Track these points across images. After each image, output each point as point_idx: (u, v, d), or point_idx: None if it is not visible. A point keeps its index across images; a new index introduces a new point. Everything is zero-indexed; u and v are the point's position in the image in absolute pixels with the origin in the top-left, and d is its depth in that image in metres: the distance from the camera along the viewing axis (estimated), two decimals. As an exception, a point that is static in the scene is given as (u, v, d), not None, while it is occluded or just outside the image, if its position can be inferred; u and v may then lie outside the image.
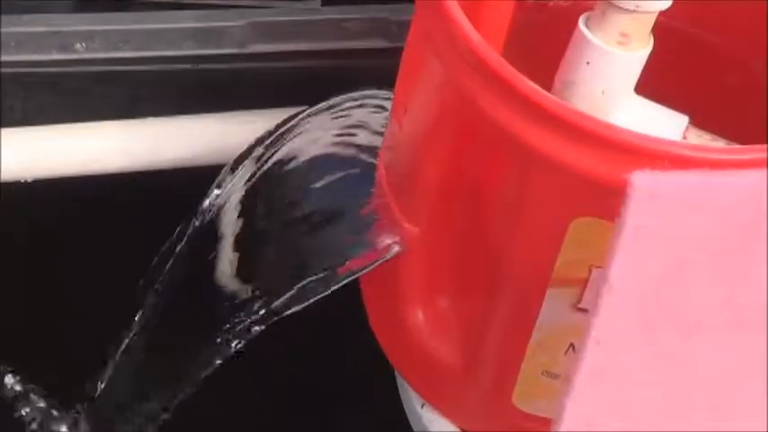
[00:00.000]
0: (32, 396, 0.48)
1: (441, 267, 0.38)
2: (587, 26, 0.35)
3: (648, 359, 0.30)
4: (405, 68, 0.37)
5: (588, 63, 0.35)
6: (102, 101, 0.49)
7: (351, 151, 0.41)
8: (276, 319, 0.38)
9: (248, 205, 0.42)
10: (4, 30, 0.47)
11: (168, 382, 0.41)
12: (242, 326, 0.39)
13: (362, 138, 0.41)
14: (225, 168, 0.44)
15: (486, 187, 0.35)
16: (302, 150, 0.42)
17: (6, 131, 0.47)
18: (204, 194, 0.44)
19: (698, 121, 0.37)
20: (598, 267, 0.33)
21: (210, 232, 0.43)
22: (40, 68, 0.48)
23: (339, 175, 0.40)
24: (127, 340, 0.44)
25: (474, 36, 0.32)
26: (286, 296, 0.38)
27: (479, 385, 0.39)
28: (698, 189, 0.30)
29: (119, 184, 0.48)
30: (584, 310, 0.34)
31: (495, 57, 0.32)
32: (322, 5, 0.50)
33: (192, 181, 0.44)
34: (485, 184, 0.35)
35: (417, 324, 0.39)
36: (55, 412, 0.48)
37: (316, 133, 0.42)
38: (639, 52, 0.35)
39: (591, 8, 0.35)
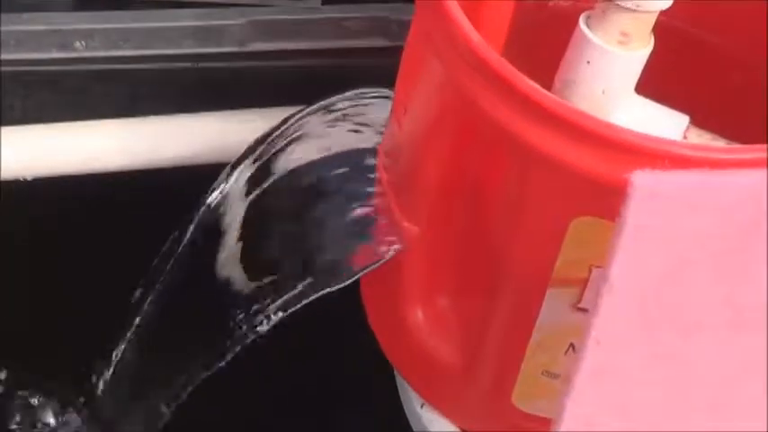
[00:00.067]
0: (31, 396, 0.48)
1: (441, 267, 0.38)
2: (588, 25, 0.35)
3: (648, 359, 0.30)
4: (405, 68, 0.37)
5: (589, 62, 0.35)
6: (102, 99, 0.49)
7: (350, 150, 0.41)
8: (281, 317, 0.38)
9: (249, 204, 0.42)
10: (3, 28, 0.47)
11: (168, 382, 0.41)
12: (244, 325, 0.39)
13: (362, 137, 0.41)
14: (226, 167, 0.44)
15: (486, 187, 0.35)
16: (302, 149, 0.42)
17: (6, 130, 0.47)
18: (204, 193, 0.43)
19: (698, 121, 0.37)
20: (598, 267, 0.33)
21: (212, 231, 0.43)
22: (39, 67, 0.47)
23: (339, 173, 0.40)
24: (128, 339, 0.44)
25: (474, 36, 0.32)
26: (286, 296, 0.38)
27: (479, 385, 0.38)
28: (698, 189, 0.30)
29: (119, 183, 0.48)
30: (584, 310, 0.34)
31: (495, 56, 0.32)
32: (322, 4, 0.50)
33: (191, 180, 0.44)
34: (485, 183, 0.35)
35: (417, 323, 0.39)
36: (54, 411, 0.48)
37: (315, 132, 0.42)
38: (640, 52, 0.35)
39: (591, 7, 0.35)
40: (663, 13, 0.35)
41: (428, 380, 0.40)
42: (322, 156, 0.41)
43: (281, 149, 0.42)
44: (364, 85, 0.43)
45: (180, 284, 0.43)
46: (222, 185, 0.43)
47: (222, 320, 0.39)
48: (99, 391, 0.45)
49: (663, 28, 0.35)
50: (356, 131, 0.42)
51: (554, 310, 0.35)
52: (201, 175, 0.44)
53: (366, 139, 0.41)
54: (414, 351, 0.40)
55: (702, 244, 0.30)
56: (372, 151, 0.40)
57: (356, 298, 0.42)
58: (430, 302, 0.39)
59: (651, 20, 0.35)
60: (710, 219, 0.30)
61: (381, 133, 0.40)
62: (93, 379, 0.45)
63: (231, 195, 0.43)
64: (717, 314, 0.30)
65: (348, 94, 0.43)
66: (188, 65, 0.49)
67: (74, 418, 0.47)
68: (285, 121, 0.44)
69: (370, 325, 0.42)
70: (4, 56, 0.47)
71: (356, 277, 0.38)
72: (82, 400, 0.46)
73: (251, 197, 0.42)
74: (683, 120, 0.36)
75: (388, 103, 0.40)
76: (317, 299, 0.38)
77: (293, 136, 0.43)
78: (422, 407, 0.42)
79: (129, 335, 0.44)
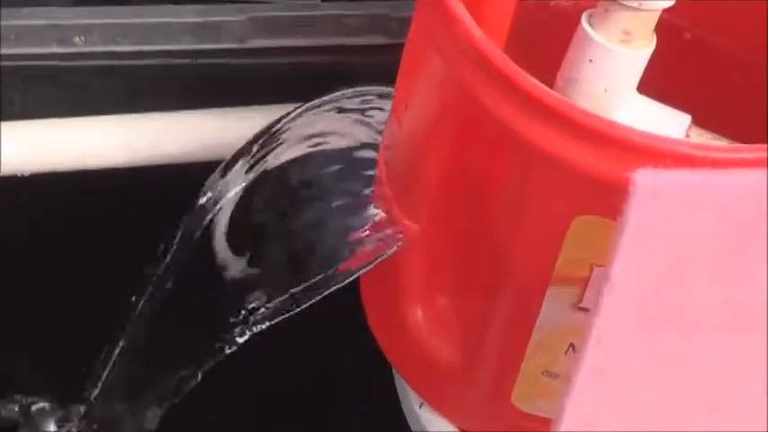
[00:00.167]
0: (29, 397, 0.48)
1: (441, 265, 0.38)
2: (590, 24, 0.35)
3: (649, 359, 0.30)
4: (405, 65, 0.37)
5: (591, 61, 0.35)
6: (101, 95, 0.48)
7: (349, 148, 0.41)
8: (278, 319, 0.38)
9: (246, 202, 0.42)
10: (3, 23, 0.46)
11: (162, 383, 0.41)
12: (241, 326, 0.38)
13: (361, 134, 0.41)
14: (222, 164, 0.44)
15: (487, 184, 0.35)
16: (299, 147, 0.42)
17: (5, 125, 0.47)
18: (202, 190, 0.43)
19: (699, 121, 0.37)
20: (599, 266, 0.32)
21: (206, 229, 0.42)
22: (39, 62, 0.47)
23: (337, 172, 0.40)
24: (124, 339, 0.44)
25: (476, 32, 0.32)
26: (286, 296, 0.38)
27: (479, 385, 0.38)
28: (700, 188, 0.30)
29: (116, 180, 0.48)
30: (584, 310, 0.34)
31: (497, 52, 0.32)
32: (322, 1, 0.50)
33: (189, 177, 0.44)
34: (486, 181, 0.35)
35: (417, 323, 0.39)
36: (53, 412, 0.48)
37: (313, 129, 0.42)
38: (642, 51, 0.35)
39: (593, 6, 0.35)
40: (664, 13, 0.35)
41: (427, 379, 0.40)
42: (320, 153, 0.41)
43: (278, 147, 0.42)
44: (364, 82, 0.43)
45: (175, 284, 0.43)
46: (217, 183, 0.43)
47: (218, 320, 0.39)
48: (94, 393, 0.44)
49: (664, 28, 0.35)
50: (355, 129, 0.41)
51: (554, 309, 0.35)
52: (199, 172, 0.44)
53: (365, 137, 0.41)
54: (413, 350, 0.40)
55: (703, 243, 0.30)
56: (371, 148, 0.40)
57: (355, 298, 0.42)
58: (430, 301, 0.39)
59: (654, 18, 0.35)
60: (711, 218, 0.30)
61: (381, 131, 0.40)
62: (91, 379, 0.45)
63: (226, 193, 0.43)
64: (717, 314, 0.30)
65: (348, 91, 0.43)
66: (187, 61, 0.49)
67: (71, 417, 0.47)
68: (282, 118, 0.43)
69: (370, 325, 0.42)
70: (3, 50, 0.47)
71: (355, 276, 0.38)
72: (80, 400, 0.46)
73: (246, 195, 0.42)
74: (684, 119, 0.36)
75: (389, 101, 0.40)
76: (316, 299, 0.38)
77: (290, 134, 0.43)
78: (421, 407, 0.42)
79: (125, 335, 0.44)
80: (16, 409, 0.48)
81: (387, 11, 0.49)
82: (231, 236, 0.42)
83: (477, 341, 0.37)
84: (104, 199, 0.50)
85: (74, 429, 0.46)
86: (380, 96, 0.43)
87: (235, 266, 0.41)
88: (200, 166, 0.46)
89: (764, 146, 0.31)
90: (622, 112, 0.35)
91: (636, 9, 0.34)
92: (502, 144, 0.33)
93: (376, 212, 0.38)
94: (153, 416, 0.42)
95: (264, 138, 0.43)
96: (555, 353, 0.36)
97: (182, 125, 0.48)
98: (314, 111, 0.43)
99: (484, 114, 0.32)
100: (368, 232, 0.38)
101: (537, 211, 0.34)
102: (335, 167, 0.40)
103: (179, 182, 0.44)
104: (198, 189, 0.43)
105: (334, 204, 0.39)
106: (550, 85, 0.34)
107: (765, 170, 0.30)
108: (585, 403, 0.30)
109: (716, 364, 0.30)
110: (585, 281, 0.34)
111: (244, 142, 0.44)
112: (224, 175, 0.43)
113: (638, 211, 0.29)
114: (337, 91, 0.43)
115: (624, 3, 0.34)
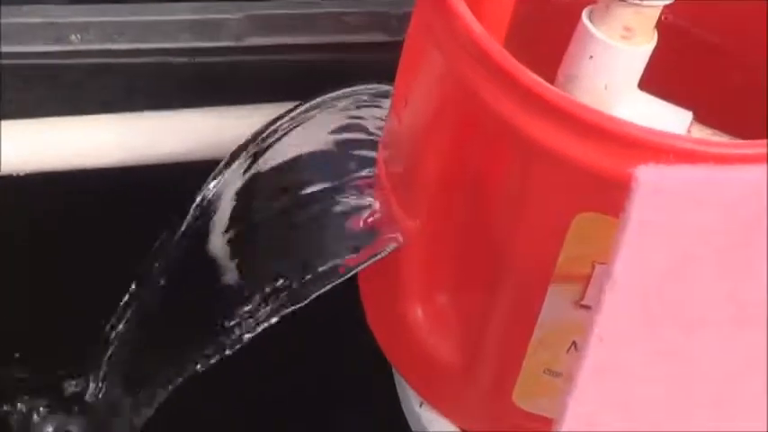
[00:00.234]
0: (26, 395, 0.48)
1: (440, 262, 0.37)
2: (591, 20, 0.35)
3: (652, 356, 0.30)
4: (405, 61, 0.37)
5: (591, 57, 0.35)
6: (97, 93, 0.48)
7: (348, 145, 0.41)
8: (276, 318, 0.38)
9: (244, 200, 0.42)
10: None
11: (160, 380, 0.40)
12: (240, 325, 0.38)
13: (361, 132, 0.41)
14: (221, 163, 0.43)
15: (487, 180, 0.35)
16: (299, 145, 0.42)
17: (1, 124, 0.47)
18: (199, 189, 0.43)
19: (699, 120, 0.36)
20: (601, 263, 0.32)
21: (204, 228, 0.42)
22: (35, 60, 0.47)
23: (336, 169, 0.40)
24: (120, 334, 0.43)
25: (476, 27, 0.32)
26: (285, 293, 0.38)
27: (479, 384, 0.38)
28: (703, 183, 0.30)
29: (113, 179, 0.48)
30: (586, 307, 0.34)
31: (497, 48, 0.32)
32: (321, -2, 0.50)
33: (187, 176, 0.44)
34: (486, 176, 0.35)
35: (416, 321, 0.39)
36: (48, 409, 0.48)
37: (313, 127, 0.42)
38: (643, 47, 0.35)
39: (594, 1, 0.35)
40: (665, 11, 0.34)
41: (427, 378, 0.40)
42: (318, 151, 0.41)
43: (276, 146, 0.42)
44: (363, 80, 0.43)
45: (171, 283, 0.43)
46: (215, 182, 0.43)
47: (215, 321, 0.39)
48: (92, 388, 0.44)
49: (665, 26, 0.35)
50: (354, 127, 0.41)
51: (556, 306, 0.35)
52: (197, 171, 0.44)
53: (364, 135, 0.41)
54: (413, 349, 0.39)
55: (706, 239, 0.30)
56: (370, 146, 0.40)
57: (353, 295, 0.41)
58: (429, 299, 0.38)
59: (655, 15, 0.34)
60: (714, 214, 0.30)
61: (380, 128, 0.40)
62: (85, 375, 0.45)
63: (224, 192, 0.42)
64: (720, 310, 0.30)
65: (347, 89, 0.43)
66: (185, 59, 0.49)
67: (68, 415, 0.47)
68: (281, 116, 0.43)
69: (369, 323, 0.41)
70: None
71: (353, 272, 0.37)
72: (75, 397, 0.46)
73: (244, 194, 0.42)
74: (686, 116, 0.36)
75: (387, 99, 0.39)
76: (315, 298, 0.38)
77: (288, 132, 0.43)
78: (420, 406, 0.42)
79: (120, 332, 0.43)
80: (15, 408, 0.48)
81: (386, 8, 0.49)
82: (229, 234, 0.41)
83: (477, 339, 0.37)
84: (100, 199, 0.49)
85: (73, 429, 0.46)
86: (379, 94, 0.43)
87: (232, 265, 0.40)
88: (198, 164, 0.46)
89: (767, 141, 0.31)
90: (623, 108, 0.35)
91: (637, 5, 0.34)
92: (502, 140, 0.33)
93: (375, 209, 0.38)
94: (147, 411, 0.41)
95: (262, 136, 0.43)
96: (557, 351, 0.36)
97: (179, 124, 0.48)
98: (313, 109, 0.43)
99: (484, 110, 0.32)
100: (367, 229, 0.37)
101: (537, 208, 0.33)
102: (334, 165, 0.40)
103: (176, 181, 0.44)
104: (195, 188, 0.43)
105: (333, 202, 0.39)
106: (551, 81, 0.34)
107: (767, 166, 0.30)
108: (588, 402, 0.30)
109: (719, 361, 0.30)
110: (587, 278, 0.34)
111: (242, 141, 0.43)
112: (222, 173, 0.43)
113: (640, 208, 0.29)
114: (336, 89, 0.43)
115: (625, -2, 0.34)
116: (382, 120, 0.40)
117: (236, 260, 0.41)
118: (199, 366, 0.39)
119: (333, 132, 0.41)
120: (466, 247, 0.36)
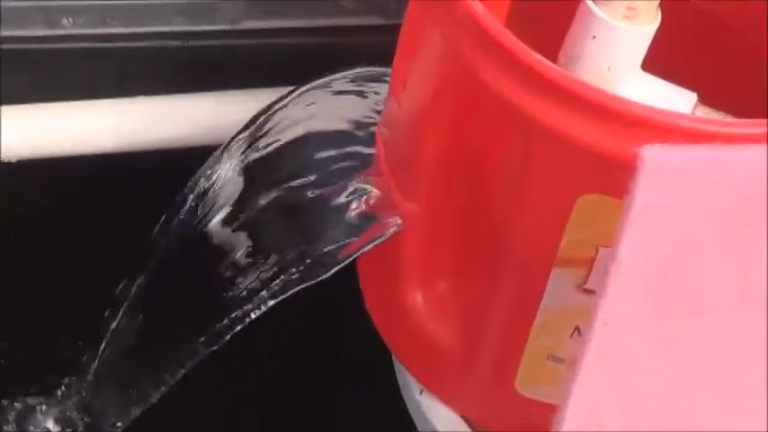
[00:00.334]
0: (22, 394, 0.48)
1: (440, 246, 0.37)
2: (593, -1, 0.34)
3: (656, 341, 0.30)
4: (403, 42, 0.36)
5: (594, 37, 0.34)
6: (90, 78, 0.48)
7: (347, 129, 0.40)
8: (275, 302, 0.38)
9: (242, 186, 0.42)
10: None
11: (159, 367, 0.40)
12: (237, 311, 0.38)
13: (359, 115, 0.41)
14: (219, 148, 0.43)
15: (487, 162, 0.34)
16: (297, 129, 0.41)
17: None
18: (196, 174, 0.43)
19: (704, 102, 0.36)
20: (605, 246, 0.32)
21: (203, 213, 0.42)
22: (25, 45, 0.47)
23: (335, 153, 0.40)
24: (118, 322, 0.43)
25: (477, 7, 0.32)
26: (284, 278, 0.37)
27: (481, 370, 0.38)
28: (708, 163, 0.30)
29: (107, 165, 0.47)
30: (590, 291, 0.34)
31: (498, 27, 0.32)
32: (317, -19, 0.50)
33: (183, 161, 0.43)
34: (486, 158, 0.34)
35: (416, 306, 0.38)
36: (44, 406, 0.47)
37: (311, 112, 0.42)
38: (646, 27, 0.34)
39: (596, -19, 0.34)
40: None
41: (427, 365, 0.40)
42: (316, 135, 0.41)
43: (274, 130, 0.42)
44: (360, 64, 0.43)
45: (171, 267, 0.43)
46: (213, 167, 0.43)
47: (214, 306, 0.39)
48: (88, 378, 0.44)
49: (669, 7, 0.34)
50: (351, 110, 0.41)
51: (559, 291, 0.34)
52: (193, 157, 0.43)
53: (362, 118, 0.40)
54: (413, 336, 0.39)
55: (712, 220, 0.30)
56: (368, 129, 0.39)
57: (353, 281, 0.41)
58: (429, 284, 0.38)
59: (658, -6, 0.34)
60: (720, 194, 0.29)
61: (379, 112, 0.40)
62: (82, 371, 0.44)
63: (222, 177, 0.42)
64: (726, 292, 0.30)
65: (344, 73, 0.43)
66: (179, 43, 0.48)
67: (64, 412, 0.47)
68: (278, 101, 0.43)
69: (368, 310, 0.41)
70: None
71: (353, 257, 0.37)
72: (71, 393, 0.46)
73: (243, 179, 0.41)
74: (691, 97, 0.36)
75: (385, 83, 0.39)
76: (314, 284, 0.37)
77: (286, 117, 0.42)
78: (421, 393, 0.41)
79: (119, 320, 0.43)
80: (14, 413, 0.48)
81: (383, -9, 0.49)
82: (228, 219, 0.41)
83: (478, 325, 0.37)
84: (95, 185, 0.49)
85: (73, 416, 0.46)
86: (377, 78, 0.42)
87: (231, 250, 0.40)
88: (194, 150, 0.46)
89: (774, 119, 0.31)
90: (626, 89, 0.35)
91: (639, -16, 0.33)
92: (503, 120, 0.33)
93: (374, 193, 0.37)
94: (149, 399, 0.41)
95: (260, 121, 0.43)
96: (560, 336, 0.35)
97: (174, 109, 0.48)
98: (309, 93, 0.43)
99: (484, 90, 0.32)
100: (366, 213, 0.37)
101: (539, 190, 0.33)
102: (332, 149, 0.40)
103: (171, 167, 0.44)
104: (191, 174, 0.43)
105: (332, 186, 0.38)
106: (553, 62, 0.34)
107: (774, 145, 0.30)
108: (591, 387, 0.29)
109: (724, 345, 0.30)
110: (591, 261, 0.33)
111: (238, 126, 0.43)
112: (219, 159, 0.43)
113: (645, 188, 0.29)
114: (333, 73, 0.43)
115: (628, -23, 0.33)
116: (380, 102, 0.40)
117: (235, 246, 0.40)
118: (198, 356, 0.39)
119: (331, 116, 0.41)
120: (466, 230, 0.36)
